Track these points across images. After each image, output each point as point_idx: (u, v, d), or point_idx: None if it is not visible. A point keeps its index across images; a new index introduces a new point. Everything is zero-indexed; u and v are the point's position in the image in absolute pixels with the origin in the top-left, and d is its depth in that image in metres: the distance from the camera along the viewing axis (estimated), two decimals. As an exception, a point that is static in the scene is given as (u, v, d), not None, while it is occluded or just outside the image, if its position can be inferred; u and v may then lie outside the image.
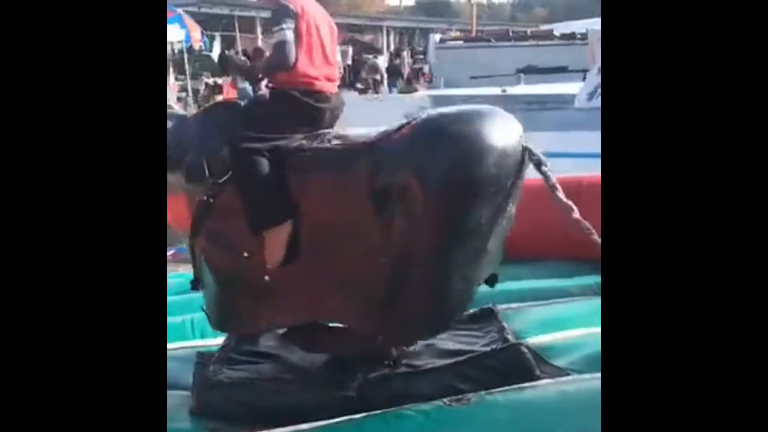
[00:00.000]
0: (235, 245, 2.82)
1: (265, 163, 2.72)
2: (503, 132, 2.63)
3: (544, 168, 2.65)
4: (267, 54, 2.87)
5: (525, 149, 2.64)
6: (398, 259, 2.61)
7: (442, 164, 2.55)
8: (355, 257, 2.68)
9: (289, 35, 2.73)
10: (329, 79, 2.89)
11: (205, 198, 2.82)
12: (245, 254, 2.80)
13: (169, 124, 2.84)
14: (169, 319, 3.81)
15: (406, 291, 2.64)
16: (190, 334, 3.61)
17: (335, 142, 2.78)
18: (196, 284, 3.07)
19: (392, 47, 29.81)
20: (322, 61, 2.85)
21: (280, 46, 2.74)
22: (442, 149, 2.57)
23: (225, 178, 2.78)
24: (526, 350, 2.87)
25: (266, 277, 2.79)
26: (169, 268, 5.56)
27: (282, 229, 2.73)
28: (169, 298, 4.31)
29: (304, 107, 2.81)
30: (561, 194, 2.61)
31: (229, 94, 20.64)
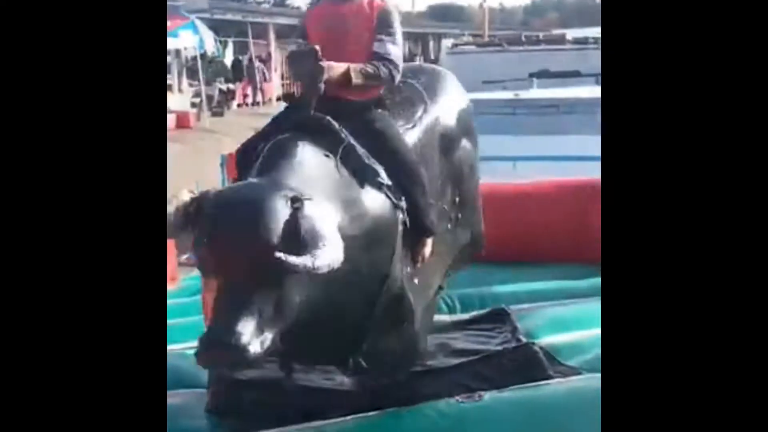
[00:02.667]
0: None
1: None
2: None
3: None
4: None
5: None
6: None
7: None
8: None
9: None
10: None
11: None
12: None
13: None
14: (185, 319, 3.86)
15: None
16: (206, 334, 3.64)
17: None
18: None
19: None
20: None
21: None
22: None
23: None
24: (538, 350, 2.90)
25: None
26: (185, 270, 5.62)
27: None
28: (186, 299, 4.37)
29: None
30: None
31: (241, 99, 20.79)
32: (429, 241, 2.69)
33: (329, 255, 2.10)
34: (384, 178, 2.52)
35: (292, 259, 2.03)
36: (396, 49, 2.67)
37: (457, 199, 3.01)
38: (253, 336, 2.07)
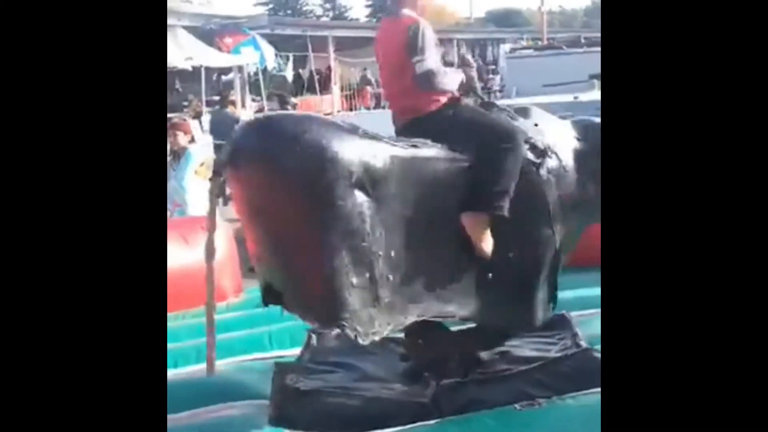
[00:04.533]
0: None
1: None
2: None
3: None
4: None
5: None
6: None
7: None
8: None
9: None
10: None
11: None
12: None
13: None
14: (249, 331, 3.94)
15: None
16: (268, 345, 3.72)
17: None
18: None
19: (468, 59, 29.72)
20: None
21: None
22: None
23: None
24: (597, 355, 2.85)
25: None
26: (250, 282, 5.71)
27: None
28: (250, 311, 4.45)
29: None
30: None
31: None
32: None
33: None
34: None
35: None
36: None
37: None
38: None
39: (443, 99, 2.90)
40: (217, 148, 12.91)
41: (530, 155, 2.88)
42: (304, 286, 2.61)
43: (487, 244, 2.79)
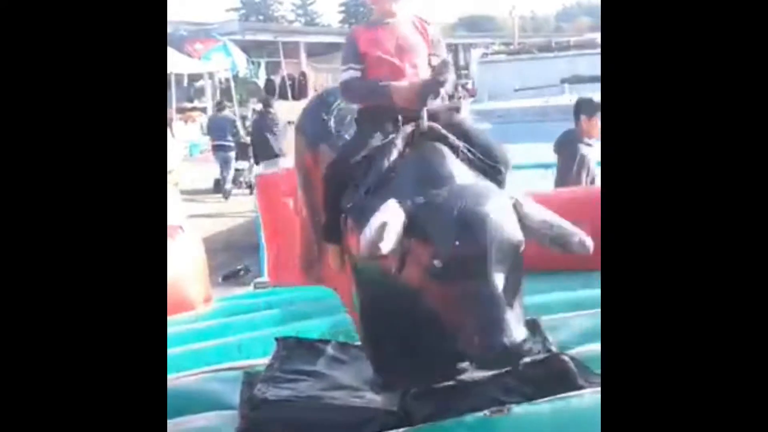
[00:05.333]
0: None
1: None
2: None
3: None
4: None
5: None
6: None
7: None
8: None
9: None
10: None
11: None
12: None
13: None
14: (219, 341, 3.90)
15: None
16: (237, 355, 3.68)
17: None
18: None
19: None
20: None
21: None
22: None
23: None
24: (568, 360, 2.85)
25: None
26: (220, 291, 5.67)
27: None
28: (223, 320, 4.41)
29: None
30: None
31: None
32: None
33: None
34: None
35: None
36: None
37: None
38: None
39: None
40: (217, 148, 13.10)
41: None
42: None
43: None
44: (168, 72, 16.38)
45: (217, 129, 13.34)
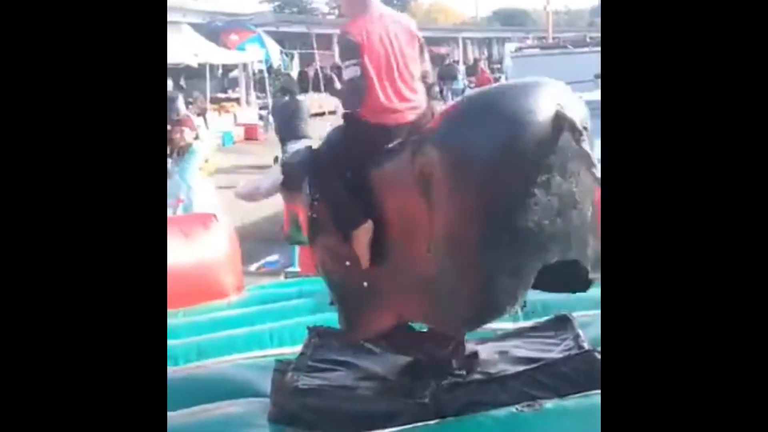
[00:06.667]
0: (339, 255, 2.88)
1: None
2: (544, 103, 2.44)
3: (580, 138, 2.41)
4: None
5: (559, 116, 2.41)
6: (443, 249, 2.54)
7: (475, 144, 2.45)
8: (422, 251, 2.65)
9: (355, 72, 2.74)
10: (407, 109, 2.83)
11: (309, 214, 2.93)
12: (347, 263, 2.85)
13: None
14: (250, 329, 3.93)
15: (452, 280, 2.55)
16: (269, 343, 3.71)
17: None
18: None
19: (470, 58, 29.82)
20: (395, 91, 2.81)
21: (347, 87, 2.83)
22: (475, 128, 2.48)
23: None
24: (599, 357, 2.83)
25: (365, 283, 2.83)
26: (252, 280, 5.72)
27: (363, 229, 2.76)
28: (251, 309, 4.44)
29: (379, 141, 2.81)
30: (596, 172, 2.38)
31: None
32: None
33: None
34: None
35: None
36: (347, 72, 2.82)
37: None
38: None
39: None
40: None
41: None
42: None
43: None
44: (203, 62, 16.50)
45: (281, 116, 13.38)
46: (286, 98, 13.47)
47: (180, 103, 12.14)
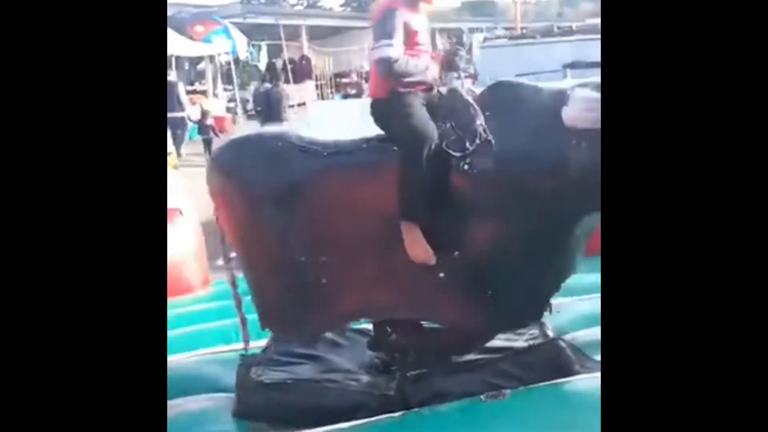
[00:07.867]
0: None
1: None
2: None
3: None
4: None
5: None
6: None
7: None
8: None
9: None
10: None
11: None
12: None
13: None
14: (215, 324, 3.89)
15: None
16: (235, 338, 3.68)
17: None
18: None
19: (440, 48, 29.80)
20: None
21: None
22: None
23: None
24: (565, 345, 2.84)
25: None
26: (217, 275, 5.66)
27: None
28: (217, 304, 4.41)
29: None
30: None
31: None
32: None
33: None
34: None
35: None
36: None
37: None
38: None
39: (395, 86, 2.78)
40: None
41: (452, 152, 2.68)
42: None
43: (420, 250, 2.66)
44: (169, 54, 16.30)
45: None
46: (268, 85, 13.59)
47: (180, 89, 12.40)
